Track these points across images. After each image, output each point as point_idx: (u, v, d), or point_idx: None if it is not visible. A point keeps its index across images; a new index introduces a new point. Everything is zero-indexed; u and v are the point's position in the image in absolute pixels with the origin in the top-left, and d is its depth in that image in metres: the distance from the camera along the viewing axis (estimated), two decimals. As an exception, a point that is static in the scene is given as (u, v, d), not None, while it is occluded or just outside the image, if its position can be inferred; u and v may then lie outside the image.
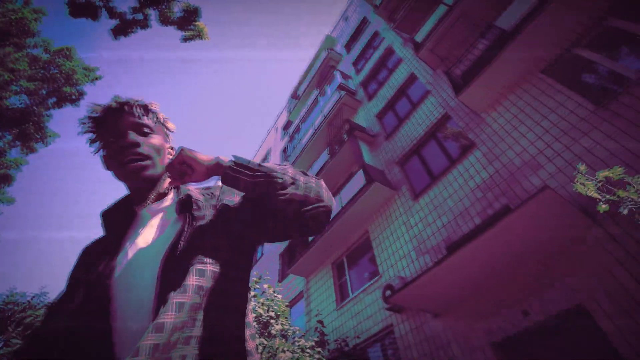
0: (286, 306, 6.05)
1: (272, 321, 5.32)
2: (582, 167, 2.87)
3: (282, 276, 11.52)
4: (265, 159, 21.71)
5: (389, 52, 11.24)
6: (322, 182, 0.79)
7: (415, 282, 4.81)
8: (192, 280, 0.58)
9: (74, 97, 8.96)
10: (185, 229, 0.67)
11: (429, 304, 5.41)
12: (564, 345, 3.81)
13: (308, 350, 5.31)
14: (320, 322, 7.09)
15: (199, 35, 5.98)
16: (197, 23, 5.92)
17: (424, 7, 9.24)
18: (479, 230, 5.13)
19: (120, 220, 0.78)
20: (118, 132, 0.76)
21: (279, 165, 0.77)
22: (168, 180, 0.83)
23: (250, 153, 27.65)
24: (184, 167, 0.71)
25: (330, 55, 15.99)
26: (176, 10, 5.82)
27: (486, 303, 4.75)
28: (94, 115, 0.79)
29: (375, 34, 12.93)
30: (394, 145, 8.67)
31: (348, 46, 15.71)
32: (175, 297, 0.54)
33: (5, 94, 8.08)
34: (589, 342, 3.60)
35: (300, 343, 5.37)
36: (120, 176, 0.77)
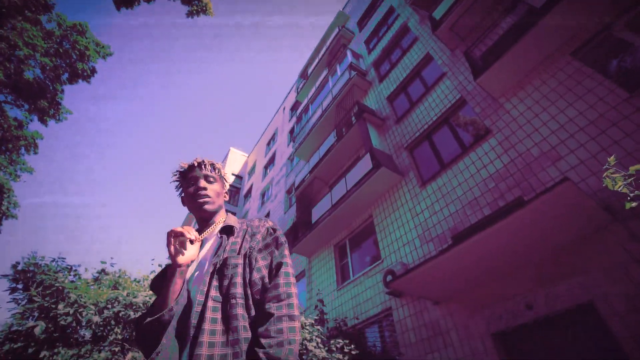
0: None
1: None
2: (612, 159, 2.63)
3: (284, 255, 11.63)
4: (272, 138, 21.49)
5: (404, 30, 10.65)
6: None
7: (417, 269, 4.73)
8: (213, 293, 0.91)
9: (86, 73, 9.14)
10: (222, 245, 1.02)
11: (430, 291, 5.37)
12: (566, 342, 3.72)
13: (307, 327, 5.39)
14: (321, 300, 7.19)
15: (203, 10, 5.98)
16: (201, -2, 5.92)
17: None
18: (488, 221, 4.96)
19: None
20: (194, 180, 1.13)
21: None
22: (220, 214, 1.17)
23: (258, 133, 27.35)
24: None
25: (341, 33, 15.27)
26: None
27: (489, 293, 4.66)
28: (181, 169, 1.17)
29: (391, 10, 12.24)
30: (404, 129, 8.36)
31: (360, 23, 14.98)
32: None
33: (25, 68, 8.33)
34: (593, 342, 3.50)
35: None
36: (191, 209, 1.13)
